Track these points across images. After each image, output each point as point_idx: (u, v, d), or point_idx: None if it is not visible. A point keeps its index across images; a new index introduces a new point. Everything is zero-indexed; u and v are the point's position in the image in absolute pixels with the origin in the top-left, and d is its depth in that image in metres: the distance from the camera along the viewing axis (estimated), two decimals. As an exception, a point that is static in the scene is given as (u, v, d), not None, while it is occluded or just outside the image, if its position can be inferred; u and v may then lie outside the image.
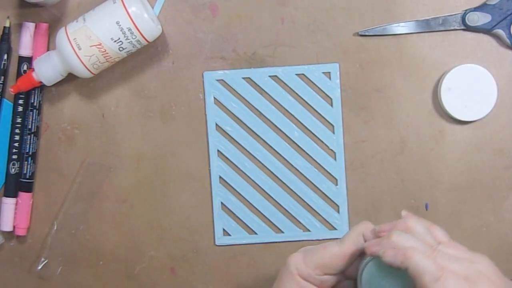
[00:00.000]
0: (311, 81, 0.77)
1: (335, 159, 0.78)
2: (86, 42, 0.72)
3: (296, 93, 0.78)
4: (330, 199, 0.78)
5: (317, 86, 0.77)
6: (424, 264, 0.55)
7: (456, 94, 0.75)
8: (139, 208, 0.79)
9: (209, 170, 0.78)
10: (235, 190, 0.78)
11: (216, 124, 0.78)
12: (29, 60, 0.77)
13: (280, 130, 0.78)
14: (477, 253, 0.58)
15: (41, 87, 0.77)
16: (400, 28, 0.76)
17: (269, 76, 0.77)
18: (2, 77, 0.77)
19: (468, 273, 0.56)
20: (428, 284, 0.55)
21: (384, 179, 0.78)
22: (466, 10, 0.76)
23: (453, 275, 0.56)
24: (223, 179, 0.78)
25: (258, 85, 0.78)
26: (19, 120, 0.77)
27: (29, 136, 0.77)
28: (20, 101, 0.77)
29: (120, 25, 0.71)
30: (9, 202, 0.77)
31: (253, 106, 0.78)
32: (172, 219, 0.79)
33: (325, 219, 0.78)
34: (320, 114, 0.78)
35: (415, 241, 0.57)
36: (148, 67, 0.78)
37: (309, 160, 0.78)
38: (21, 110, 0.77)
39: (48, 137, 0.79)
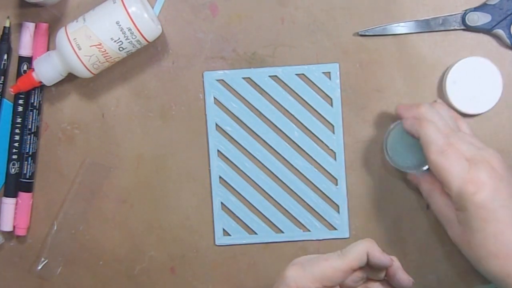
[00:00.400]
0: (311, 81, 0.77)
1: (335, 159, 0.78)
2: (86, 42, 0.72)
3: (296, 93, 0.78)
4: (330, 199, 0.78)
5: (317, 86, 0.77)
6: (434, 136, 0.62)
7: (462, 87, 0.75)
8: (139, 208, 0.79)
9: (209, 170, 0.78)
10: (235, 190, 0.78)
11: (216, 124, 0.78)
12: (29, 60, 0.77)
13: (280, 130, 0.78)
14: (490, 148, 0.64)
15: (41, 87, 0.77)
16: (400, 28, 0.76)
17: (269, 76, 0.78)
18: (2, 77, 0.77)
19: (473, 156, 0.62)
20: (433, 154, 0.62)
21: (384, 179, 0.78)
22: (466, 10, 0.76)
23: (458, 152, 0.62)
24: (223, 179, 0.78)
25: (258, 85, 0.78)
26: (19, 120, 0.77)
27: (29, 136, 0.77)
28: (20, 101, 0.77)
29: (120, 25, 0.71)
30: (9, 202, 0.77)
31: (253, 106, 0.78)
32: (172, 219, 0.79)
33: (325, 219, 0.78)
34: (320, 114, 0.78)
35: (438, 118, 0.64)
36: (148, 67, 0.78)
37: (309, 160, 0.78)
38: (21, 110, 0.77)
39: (48, 137, 0.79)
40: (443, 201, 0.67)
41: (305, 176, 0.78)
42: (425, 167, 0.74)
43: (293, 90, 0.78)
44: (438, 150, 0.62)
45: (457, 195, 0.62)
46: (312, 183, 0.78)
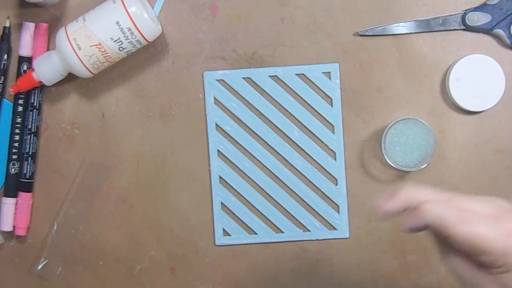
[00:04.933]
0: (311, 81, 0.77)
1: (335, 159, 0.78)
2: (86, 42, 0.72)
3: (296, 93, 0.78)
4: (330, 199, 0.78)
5: (317, 86, 0.77)
6: (442, 210, 0.54)
7: (465, 84, 0.75)
8: (139, 208, 0.79)
9: (209, 170, 0.78)
10: (235, 190, 0.78)
11: (216, 124, 0.78)
12: (29, 60, 0.77)
13: (280, 130, 0.78)
14: (493, 197, 0.57)
15: (41, 87, 0.77)
16: (400, 28, 0.76)
17: (269, 76, 0.78)
18: (2, 77, 0.77)
19: (491, 211, 0.55)
20: (454, 229, 0.53)
21: (384, 179, 0.78)
22: (466, 10, 0.76)
23: (476, 214, 0.54)
24: (223, 179, 0.78)
25: (258, 85, 0.78)
26: (19, 120, 0.77)
27: (29, 136, 0.77)
28: (20, 101, 0.77)
29: (120, 25, 0.71)
30: (9, 202, 0.77)
31: (253, 106, 0.78)
32: (172, 219, 0.79)
33: (325, 219, 0.78)
34: (320, 114, 0.78)
35: (428, 192, 0.55)
36: (148, 67, 0.78)
37: (309, 160, 0.78)
38: (21, 110, 0.77)
39: (48, 137, 0.79)
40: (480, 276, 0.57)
41: (305, 176, 0.78)
42: (423, 166, 0.74)
43: (293, 90, 0.78)
44: (456, 221, 0.54)
45: (503, 255, 0.54)
46: (312, 183, 0.78)
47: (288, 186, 0.78)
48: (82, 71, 0.73)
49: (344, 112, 0.78)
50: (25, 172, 0.77)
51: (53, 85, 0.76)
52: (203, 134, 0.78)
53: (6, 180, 0.78)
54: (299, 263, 0.79)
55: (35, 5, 0.76)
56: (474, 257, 0.54)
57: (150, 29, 0.72)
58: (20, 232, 0.78)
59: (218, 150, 0.78)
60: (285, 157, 0.78)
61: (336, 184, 0.78)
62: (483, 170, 0.78)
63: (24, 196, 0.78)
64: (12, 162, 0.77)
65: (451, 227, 0.53)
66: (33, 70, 0.75)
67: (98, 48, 0.72)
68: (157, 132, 0.78)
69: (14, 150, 0.77)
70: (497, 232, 0.53)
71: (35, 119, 0.77)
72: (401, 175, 0.78)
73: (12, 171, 0.77)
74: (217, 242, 0.79)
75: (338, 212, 0.78)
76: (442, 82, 0.77)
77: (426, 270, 0.78)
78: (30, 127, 0.77)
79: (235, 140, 0.78)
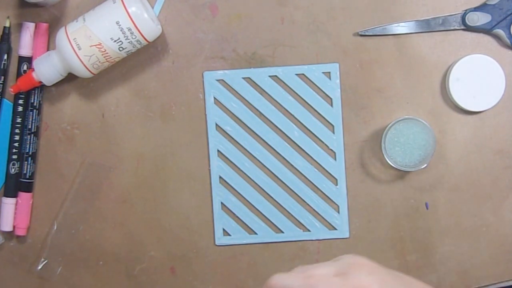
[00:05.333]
0: (311, 81, 0.77)
1: (335, 159, 0.78)
2: (86, 42, 0.72)
3: (296, 93, 0.78)
4: (330, 199, 0.78)
5: (317, 86, 0.77)
6: (287, 281, 0.56)
7: (465, 84, 0.75)
8: (139, 208, 0.79)
9: (209, 170, 0.78)
10: (235, 190, 0.78)
11: (216, 124, 0.78)
12: (29, 60, 0.77)
13: (280, 130, 0.78)
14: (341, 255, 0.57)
15: (41, 87, 0.77)
16: (400, 28, 0.76)
17: (269, 76, 0.78)
18: (2, 77, 0.77)
19: (337, 269, 0.55)
20: None
21: (384, 179, 0.78)
22: (466, 10, 0.76)
23: (322, 277, 0.55)
24: (223, 179, 0.78)
25: (258, 85, 0.78)
26: (19, 120, 0.77)
27: (29, 136, 0.77)
28: (20, 101, 0.77)
29: (120, 25, 0.71)
30: (9, 202, 0.77)
31: (253, 106, 0.78)
32: (172, 219, 0.79)
33: (325, 219, 0.78)
34: (320, 114, 0.78)
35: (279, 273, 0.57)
36: (148, 67, 0.78)
37: (309, 160, 0.78)
38: (21, 110, 0.77)
39: (48, 137, 0.79)
40: None
41: (305, 176, 0.78)
42: (424, 166, 0.74)
43: (293, 90, 0.78)
44: None
45: None
46: (312, 183, 0.78)
47: (288, 186, 0.78)
48: (82, 71, 0.73)
49: (344, 112, 0.78)
50: (25, 172, 0.77)
51: (53, 85, 0.76)
52: (203, 134, 0.78)
53: (6, 180, 0.78)
54: (299, 263, 0.79)
55: (35, 5, 0.76)
56: None
57: (150, 29, 0.72)
58: (20, 232, 0.78)
59: (218, 150, 0.78)
60: (285, 157, 0.78)
61: (336, 184, 0.78)
62: (483, 170, 0.78)
63: (24, 196, 0.78)
64: (12, 162, 0.77)
65: None
66: (33, 70, 0.74)
67: (98, 48, 0.72)
68: (157, 132, 0.78)
69: (14, 150, 0.77)
70: None
71: (35, 119, 0.77)
72: (401, 175, 0.78)
73: (12, 171, 0.77)
74: (217, 242, 0.79)
75: (338, 212, 0.78)
76: (442, 82, 0.77)
77: (426, 270, 0.78)
78: (30, 127, 0.77)
79: (235, 140, 0.78)
